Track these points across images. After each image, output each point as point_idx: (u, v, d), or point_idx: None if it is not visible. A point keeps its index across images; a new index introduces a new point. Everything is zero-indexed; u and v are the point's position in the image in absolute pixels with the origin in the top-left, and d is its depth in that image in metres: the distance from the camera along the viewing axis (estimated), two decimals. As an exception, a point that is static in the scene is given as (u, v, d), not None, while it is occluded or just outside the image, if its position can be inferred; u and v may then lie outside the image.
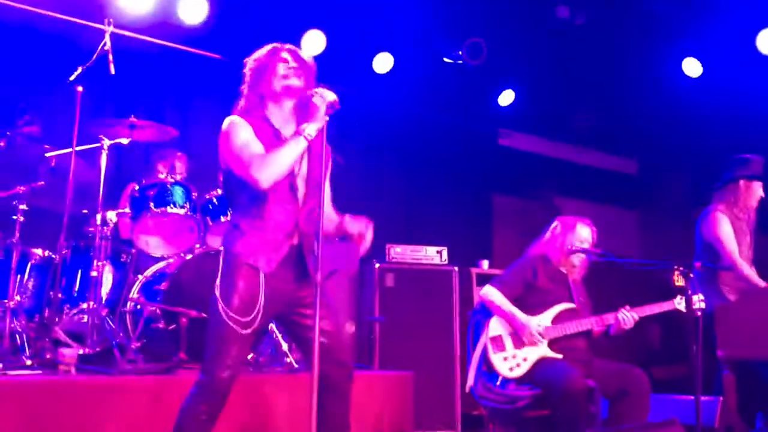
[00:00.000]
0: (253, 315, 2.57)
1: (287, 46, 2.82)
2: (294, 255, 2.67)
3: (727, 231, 4.35)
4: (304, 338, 2.70)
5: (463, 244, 6.18)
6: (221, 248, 2.72)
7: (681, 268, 3.44)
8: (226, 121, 2.71)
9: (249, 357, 4.05)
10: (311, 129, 2.61)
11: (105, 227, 4.07)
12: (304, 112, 2.72)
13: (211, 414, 2.58)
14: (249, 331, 2.57)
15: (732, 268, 4.26)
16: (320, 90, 2.66)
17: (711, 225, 4.41)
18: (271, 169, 2.56)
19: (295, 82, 2.71)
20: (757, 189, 4.46)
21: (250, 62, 2.81)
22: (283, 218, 2.65)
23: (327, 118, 2.63)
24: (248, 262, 2.60)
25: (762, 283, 4.31)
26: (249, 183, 2.58)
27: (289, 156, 2.59)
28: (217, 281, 2.63)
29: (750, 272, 4.30)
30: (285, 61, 2.74)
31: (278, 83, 2.72)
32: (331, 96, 2.63)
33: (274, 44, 2.83)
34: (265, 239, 2.63)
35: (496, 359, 3.70)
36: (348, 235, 2.79)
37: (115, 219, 4.21)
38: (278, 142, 2.66)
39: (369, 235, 2.77)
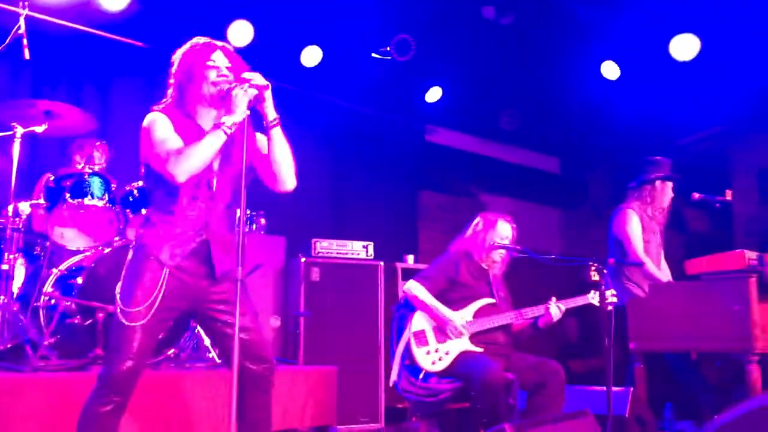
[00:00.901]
0: (146, 307, 2.52)
1: (219, 43, 2.76)
2: (203, 251, 2.64)
3: (634, 228, 4.54)
4: (219, 334, 2.70)
5: (388, 240, 6.23)
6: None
7: (595, 265, 3.58)
8: (147, 116, 2.65)
9: (170, 353, 3.98)
10: (230, 122, 2.58)
11: (17, 219, 3.90)
12: (228, 112, 2.68)
13: (114, 408, 2.51)
14: (143, 322, 2.51)
15: (640, 265, 4.44)
16: (251, 76, 2.61)
17: (620, 222, 4.59)
18: (187, 163, 2.53)
19: (225, 87, 2.65)
20: (669, 189, 4.67)
21: (177, 58, 2.74)
22: (194, 214, 2.63)
23: (248, 112, 2.60)
24: (153, 254, 2.58)
25: (663, 280, 4.51)
26: (166, 178, 2.55)
27: (206, 150, 2.56)
28: (122, 273, 2.61)
29: (653, 269, 4.49)
30: (216, 66, 2.67)
31: (208, 89, 2.67)
32: (253, 91, 2.60)
33: (205, 39, 2.76)
34: (172, 233, 2.61)
35: (419, 353, 3.75)
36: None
37: (28, 210, 4.05)
38: (198, 137, 2.62)
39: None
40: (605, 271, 3.59)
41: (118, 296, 2.56)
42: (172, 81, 2.73)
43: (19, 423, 3.09)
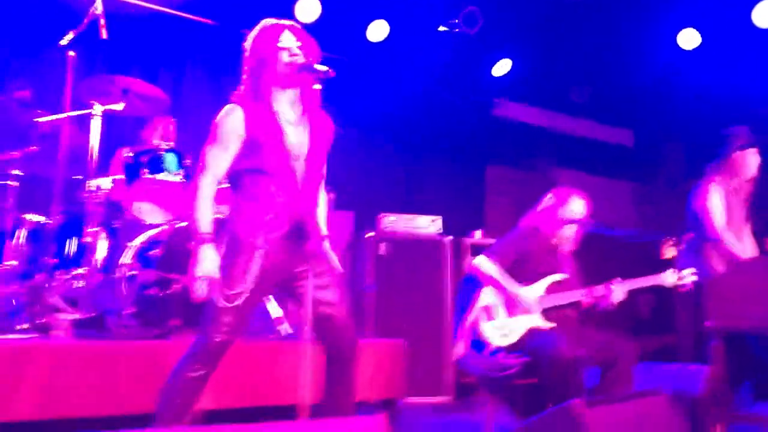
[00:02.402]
0: (244, 289, 2.61)
1: (288, 23, 2.78)
2: (294, 232, 2.69)
3: (716, 203, 4.37)
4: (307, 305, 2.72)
5: (456, 214, 6.20)
6: (223, 218, 2.77)
7: (671, 240, 3.47)
8: (224, 108, 2.71)
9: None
10: (199, 273, 2.59)
11: (98, 193, 4.06)
12: (304, 93, 2.73)
13: (202, 375, 2.62)
14: (238, 303, 2.61)
15: (717, 241, 4.29)
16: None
17: (700, 197, 4.43)
18: (195, 193, 2.65)
19: (300, 61, 2.68)
20: (752, 159, 4.46)
21: (248, 44, 2.77)
22: (282, 200, 2.68)
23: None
24: (246, 240, 2.65)
25: (745, 256, 4.34)
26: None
27: (194, 210, 2.64)
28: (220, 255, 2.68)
29: (735, 245, 4.33)
30: (287, 46, 2.70)
31: (281, 71, 2.70)
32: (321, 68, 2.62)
33: (272, 21, 2.79)
34: (263, 220, 2.66)
35: (487, 328, 3.74)
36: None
37: (109, 185, 4.20)
38: (275, 127, 2.68)
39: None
40: (681, 246, 3.48)
41: (216, 278, 2.62)
42: (246, 68, 2.76)
43: (102, 388, 3.23)
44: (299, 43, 2.72)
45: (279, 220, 2.67)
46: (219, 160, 2.67)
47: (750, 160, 4.45)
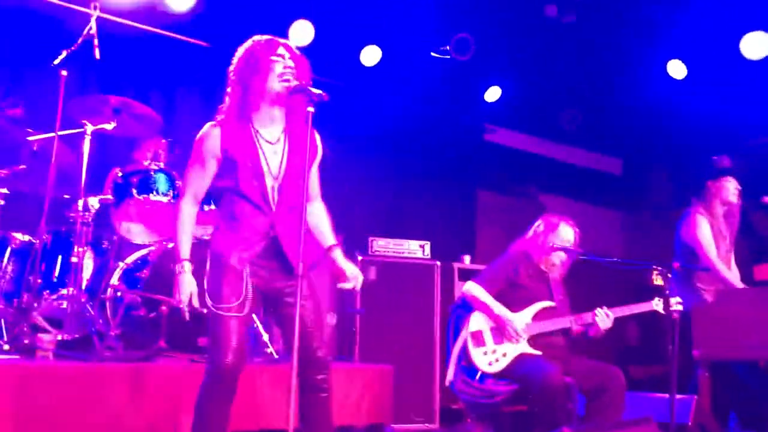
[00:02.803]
0: (240, 300, 2.63)
1: (282, 40, 2.79)
2: (271, 249, 2.70)
3: (705, 233, 4.41)
4: (288, 326, 2.70)
5: (446, 239, 6.20)
6: (204, 238, 2.77)
7: (660, 269, 3.49)
8: (204, 128, 2.73)
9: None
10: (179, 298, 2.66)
11: (86, 213, 4.03)
12: (290, 112, 2.74)
13: (223, 400, 2.63)
14: (240, 315, 2.62)
15: (709, 270, 4.31)
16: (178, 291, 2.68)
17: (690, 227, 4.46)
18: (176, 217, 2.72)
19: (293, 83, 2.69)
20: (731, 185, 4.50)
21: (240, 54, 2.76)
22: (256, 221, 2.70)
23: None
24: (227, 258, 2.68)
25: (738, 285, 4.36)
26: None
27: (175, 232, 2.72)
28: (206, 278, 2.71)
29: (727, 274, 4.35)
30: (282, 57, 2.71)
31: (275, 84, 2.69)
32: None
33: (268, 37, 2.79)
34: (237, 239, 2.69)
35: (476, 354, 3.73)
36: (335, 269, 2.85)
37: (97, 205, 4.18)
38: (251, 147, 2.69)
39: (359, 280, 2.83)
40: (669, 275, 3.50)
41: (207, 299, 2.65)
42: (233, 77, 2.75)
43: (86, 410, 3.19)
44: (292, 63, 2.72)
45: (252, 239, 2.68)
46: (198, 179, 2.73)
47: (728, 188, 4.49)
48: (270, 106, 2.73)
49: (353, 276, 2.82)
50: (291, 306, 2.66)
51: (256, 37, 2.80)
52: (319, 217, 2.90)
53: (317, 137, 2.85)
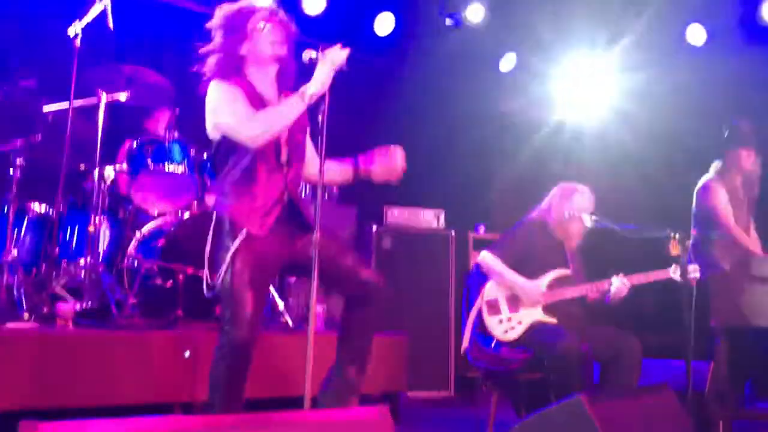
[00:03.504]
0: (252, 275, 2.60)
1: (267, 5, 2.77)
2: (286, 214, 2.68)
3: (721, 200, 4.36)
4: (325, 274, 2.65)
5: (461, 208, 6.18)
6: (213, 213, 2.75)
7: (677, 236, 3.45)
8: (211, 85, 2.67)
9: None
10: (312, 91, 2.57)
11: (102, 183, 4.05)
12: (284, 77, 2.73)
13: (237, 372, 2.63)
14: (253, 290, 2.60)
15: (727, 237, 4.27)
16: (330, 50, 2.61)
17: (706, 195, 4.42)
18: (263, 127, 2.56)
19: (283, 48, 2.68)
20: (745, 154, 4.43)
21: (221, 17, 2.72)
22: (271, 182, 2.66)
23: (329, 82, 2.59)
24: (239, 227, 2.62)
25: (757, 252, 4.32)
26: (239, 142, 2.57)
27: (286, 116, 2.59)
28: (207, 248, 2.67)
29: (746, 240, 4.32)
30: (271, 22, 2.67)
31: (267, 47, 2.67)
32: (340, 56, 2.59)
33: (249, 2, 2.75)
34: (255, 205, 2.64)
35: (491, 322, 3.73)
36: (369, 168, 2.82)
37: (112, 175, 4.20)
38: (262, 107, 2.65)
39: (399, 161, 2.80)
40: (688, 243, 3.47)
41: (221, 271, 2.60)
42: (217, 41, 2.70)
43: (104, 377, 3.23)
44: (281, 28, 2.69)
45: (270, 204, 2.64)
46: (245, 107, 2.61)
47: (744, 156, 4.42)
48: (263, 69, 2.72)
49: (390, 165, 2.79)
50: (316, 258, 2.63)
51: (241, 3, 2.76)
52: (315, 163, 2.75)
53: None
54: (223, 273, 2.61)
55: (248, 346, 2.62)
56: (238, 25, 2.68)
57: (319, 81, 2.57)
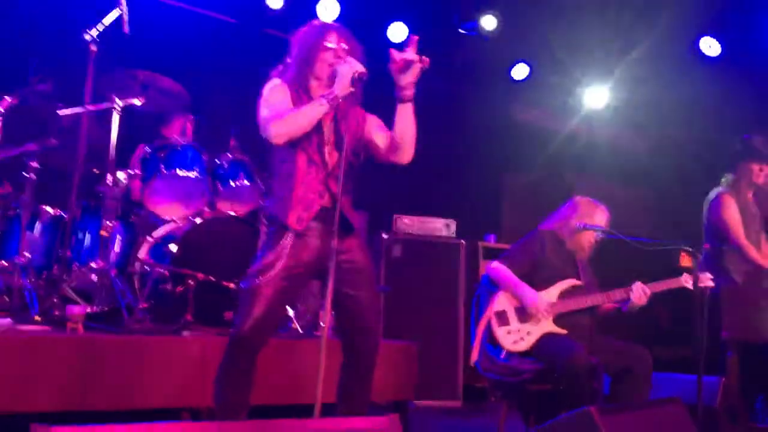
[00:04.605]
0: (273, 274, 2.62)
1: (336, 25, 2.86)
2: (325, 215, 2.69)
3: (733, 213, 4.34)
4: (341, 295, 2.69)
5: (471, 218, 6.17)
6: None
7: (689, 249, 3.43)
8: (269, 83, 2.76)
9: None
10: (332, 94, 2.64)
11: (116, 187, 4.08)
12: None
13: (238, 372, 2.64)
14: (274, 290, 2.61)
15: (739, 251, 4.25)
16: (350, 60, 2.68)
17: (717, 207, 4.40)
18: (285, 126, 2.62)
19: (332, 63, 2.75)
20: (756, 167, 4.41)
21: (297, 38, 2.83)
22: (311, 178, 2.69)
23: (352, 89, 2.65)
24: (280, 222, 2.67)
25: (766, 265, 4.29)
26: (265, 138, 2.65)
27: (305, 117, 2.64)
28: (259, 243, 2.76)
29: (757, 254, 4.29)
30: (332, 48, 2.75)
31: (324, 70, 2.74)
32: (359, 67, 2.65)
33: (323, 22, 2.89)
34: (295, 198, 2.67)
35: (501, 333, 3.72)
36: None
37: (125, 180, 4.22)
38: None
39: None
40: (699, 255, 3.45)
41: (252, 267, 2.65)
42: (289, 60, 2.82)
43: (114, 381, 3.24)
44: (345, 46, 2.77)
45: (309, 198, 2.68)
46: (282, 106, 2.67)
47: (754, 170, 4.41)
48: (322, 84, 2.77)
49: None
50: (342, 283, 2.65)
51: (312, 22, 2.88)
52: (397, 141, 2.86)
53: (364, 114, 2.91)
54: (254, 266, 2.65)
55: (249, 345, 2.62)
56: (306, 46, 2.77)
57: (341, 84, 2.64)
